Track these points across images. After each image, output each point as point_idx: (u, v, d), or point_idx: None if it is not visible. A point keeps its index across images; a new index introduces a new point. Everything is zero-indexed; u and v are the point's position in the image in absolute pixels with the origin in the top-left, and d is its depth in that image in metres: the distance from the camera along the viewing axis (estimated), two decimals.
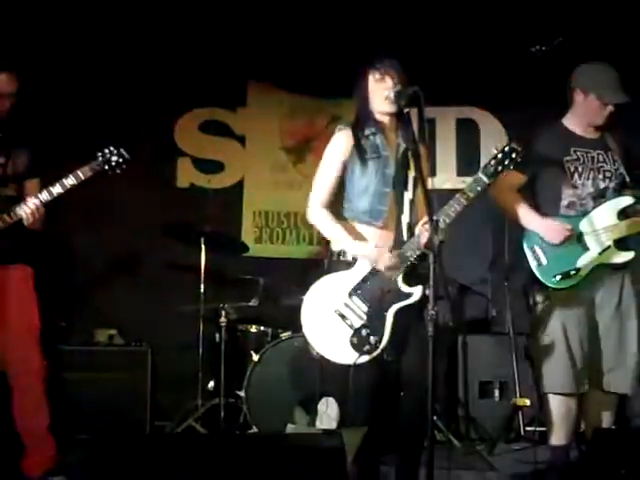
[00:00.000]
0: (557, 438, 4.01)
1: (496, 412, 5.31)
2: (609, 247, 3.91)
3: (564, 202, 4.00)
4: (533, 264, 3.97)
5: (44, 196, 3.82)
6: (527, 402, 5.01)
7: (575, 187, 3.99)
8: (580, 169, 4.00)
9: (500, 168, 3.50)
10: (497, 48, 5.83)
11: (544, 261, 3.94)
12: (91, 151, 3.99)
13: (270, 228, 6.37)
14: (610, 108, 3.98)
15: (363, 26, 5.76)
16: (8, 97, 3.93)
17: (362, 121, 3.66)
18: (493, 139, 6.04)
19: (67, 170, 3.88)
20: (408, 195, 3.62)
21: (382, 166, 3.60)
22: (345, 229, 3.60)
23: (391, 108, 3.58)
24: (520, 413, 5.13)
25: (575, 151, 4.02)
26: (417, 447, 3.50)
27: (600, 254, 3.90)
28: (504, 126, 6.23)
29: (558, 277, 3.89)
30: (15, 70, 3.98)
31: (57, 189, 3.83)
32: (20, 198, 3.92)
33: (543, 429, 4.61)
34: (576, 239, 3.93)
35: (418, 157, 3.48)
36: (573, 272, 3.88)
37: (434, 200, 3.33)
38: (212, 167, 6.41)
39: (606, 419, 4.05)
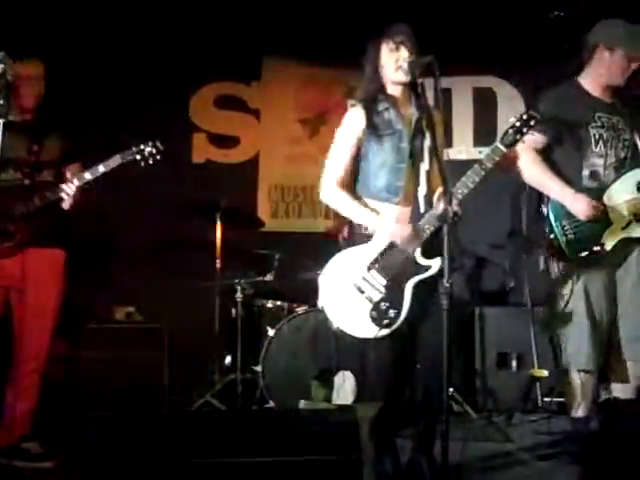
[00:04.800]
0: (577, 410, 3.93)
1: (513, 383, 5.27)
2: (631, 221, 3.76)
3: (586, 172, 3.83)
4: (561, 238, 3.78)
5: (76, 182, 3.91)
6: (545, 373, 4.99)
7: (600, 156, 3.83)
8: (605, 136, 3.83)
9: (518, 137, 3.41)
10: (513, 15, 5.73)
11: (571, 235, 3.77)
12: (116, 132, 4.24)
13: (286, 202, 6.36)
14: (633, 66, 3.81)
15: None
16: (35, 82, 3.95)
17: (374, 95, 3.58)
18: (510, 108, 5.97)
19: (100, 153, 4.01)
20: (424, 166, 3.55)
21: (397, 141, 3.53)
22: (362, 207, 3.55)
23: (405, 78, 3.50)
24: (538, 384, 5.10)
25: (600, 117, 3.84)
26: (433, 419, 3.48)
27: (623, 229, 3.77)
28: (521, 94, 6.14)
29: (584, 253, 3.75)
30: (41, 56, 4.02)
31: (88, 176, 3.93)
32: (57, 183, 3.97)
33: (560, 400, 4.57)
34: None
35: (433, 126, 3.42)
36: (598, 248, 3.75)
37: (450, 171, 3.28)
38: (227, 142, 6.40)
39: (628, 390, 3.96)
